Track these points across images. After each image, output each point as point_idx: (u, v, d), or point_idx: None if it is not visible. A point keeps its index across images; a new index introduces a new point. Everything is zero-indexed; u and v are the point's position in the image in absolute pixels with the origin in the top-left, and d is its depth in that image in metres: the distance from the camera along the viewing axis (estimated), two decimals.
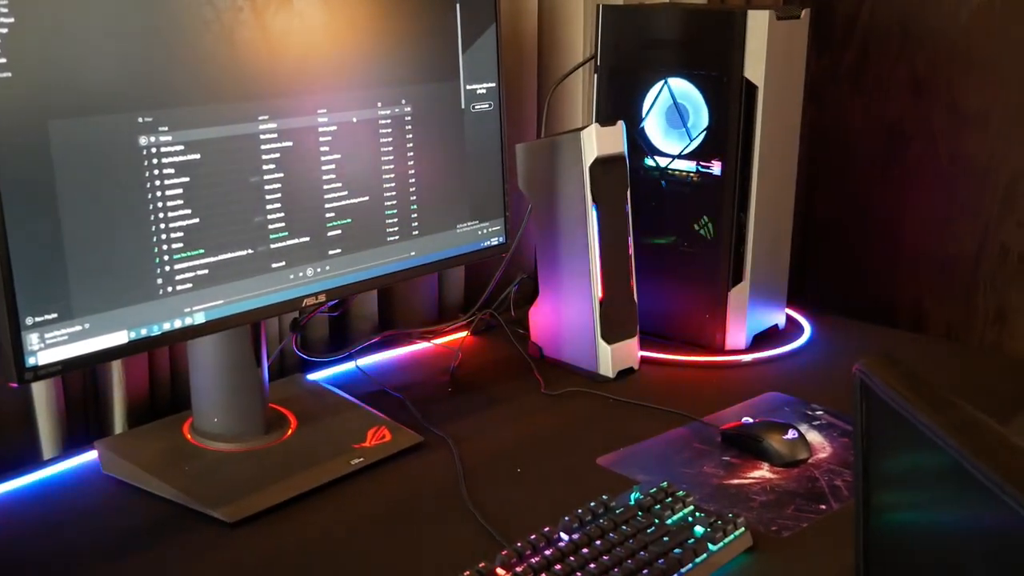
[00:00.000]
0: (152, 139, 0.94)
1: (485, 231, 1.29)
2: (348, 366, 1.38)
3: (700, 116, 1.40)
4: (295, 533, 0.98)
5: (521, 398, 1.30)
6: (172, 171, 0.96)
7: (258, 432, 1.12)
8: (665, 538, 0.91)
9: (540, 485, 1.07)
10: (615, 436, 1.17)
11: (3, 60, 0.83)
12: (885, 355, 0.71)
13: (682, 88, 1.41)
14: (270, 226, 1.05)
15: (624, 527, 0.92)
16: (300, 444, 1.12)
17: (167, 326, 0.98)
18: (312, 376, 1.32)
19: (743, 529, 0.94)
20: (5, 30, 0.83)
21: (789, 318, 1.54)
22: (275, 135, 1.04)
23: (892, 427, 0.68)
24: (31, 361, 0.89)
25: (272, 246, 1.05)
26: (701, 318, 1.44)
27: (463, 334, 1.49)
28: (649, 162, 1.46)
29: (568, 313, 1.37)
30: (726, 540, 0.92)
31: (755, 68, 1.34)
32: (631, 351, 1.37)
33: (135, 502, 1.03)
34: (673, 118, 1.43)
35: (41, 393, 1.14)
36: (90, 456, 1.11)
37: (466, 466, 1.10)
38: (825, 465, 1.10)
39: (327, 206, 1.10)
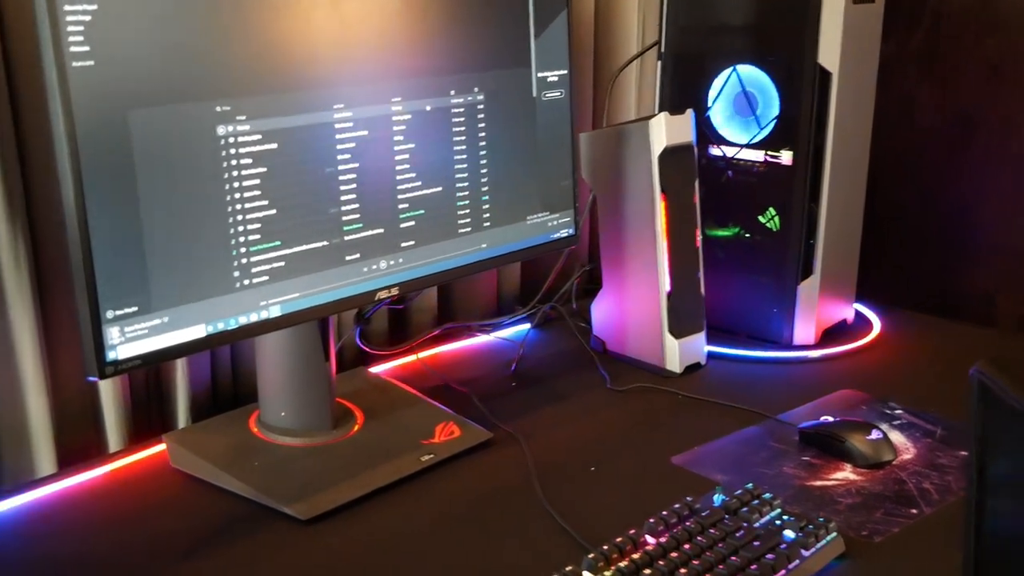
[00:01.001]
0: (230, 128, 0.92)
1: (555, 223, 1.26)
2: (409, 359, 1.36)
3: (770, 104, 1.36)
4: (369, 531, 0.96)
5: (587, 393, 1.27)
6: (250, 161, 0.94)
7: (325, 427, 1.10)
8: (755, 542, 0.88)
9: (615, 485, 1.05)
10: (687, 434, 1.15)
11: (86, 48, 0.82)
12: (1001, 357, 0.68)
13: (752, 75, 1.37)
14: (344, 217, 1.03)
15: (712, 530, 0.90)
16: (368, 439, 1.11)
17: (243, 320, 0.96)
18: (373, 369, 1.30)
19: (835, 534, 0.91)
20: (88, 18, 0.81)
21: (857, 312, 1.51)
22: (350, 124, 1.02)
23: (1015, 431, 0.66)
24: (111, 355, 0.87)
25: (346, 238, 1.03)
26: (768, 312, 1.41)
27: (523, 327, 1.47)
28: (714, 151, 1.42)
29: (633, 307, 1.34)
30: (819, 545, 0.89)
31: (830, 54, 1.30)
32: (698, 346, 1.34)
33: (205, 497, 1.02)
34: (741, 106, 1.39)
35: (107, 386, 1.13)
36: (157, 449, 1.10)
37: (538, 464, 1.07)
38: (911, 467, 1.07)
39: (400, 197, 1.08)
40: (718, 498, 0.95)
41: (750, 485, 0.97)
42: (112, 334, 0.87)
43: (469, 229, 1.16)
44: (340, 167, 1.02)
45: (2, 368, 1.06)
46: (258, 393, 1.10)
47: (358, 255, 1.05)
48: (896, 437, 1.12)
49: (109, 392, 1.13)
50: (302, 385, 1.08)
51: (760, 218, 1.40)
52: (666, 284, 1.29)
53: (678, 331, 1.31)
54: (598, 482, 1.06)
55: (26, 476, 1.09)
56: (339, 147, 1.01)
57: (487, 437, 1.13)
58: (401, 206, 1.08)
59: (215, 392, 1.25)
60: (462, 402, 1.21)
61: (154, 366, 1.16)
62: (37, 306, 1.07)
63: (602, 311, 1.40)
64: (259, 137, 0.94)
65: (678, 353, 1.31)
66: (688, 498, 0.94)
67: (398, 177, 1.07)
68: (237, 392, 1.27)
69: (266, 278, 0.97)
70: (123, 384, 1.14)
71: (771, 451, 1.11)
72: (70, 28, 0.81)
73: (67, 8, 0.80)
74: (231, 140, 0.93)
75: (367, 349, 1.33)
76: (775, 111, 1.36)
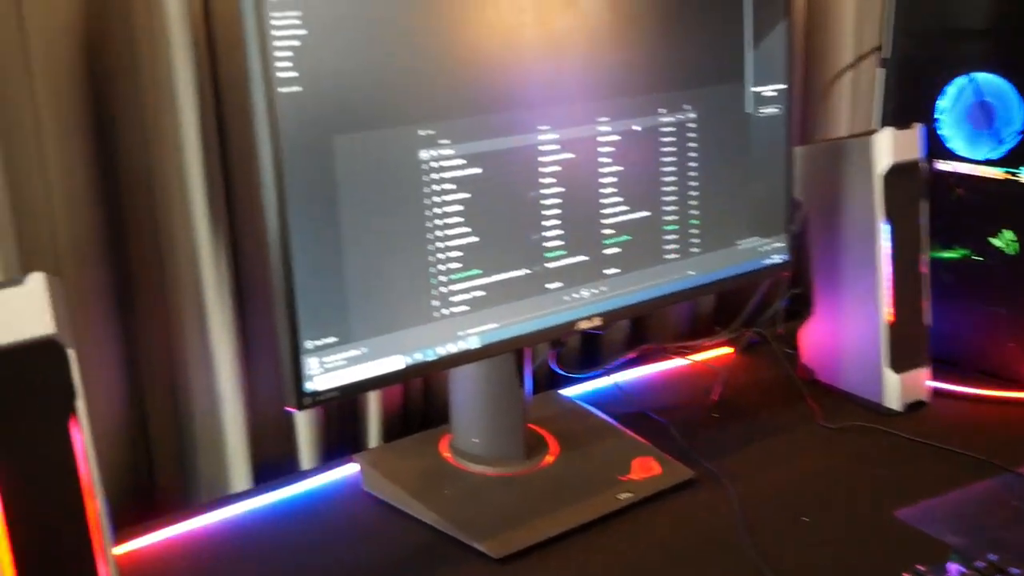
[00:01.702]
0: (433, 153, 0.89)
1: (767, 248, 1.18)
2: (601, 382, 1.30)
3: (1012, 116, 1.23)
4: (563, 574, 0.91)
5: (795, 429, 1.18)
6: (453, 186, 0.91)
7: (518, 456, 1.06)
8: None
9: (832, 539, 0.96)
10: (911, 484, 1.04)
11: (294, 74, 0.80)
12: None
13: (991, 83, 1.24)
14: (546, 244, 0.98)
15: None
16: (563, 472, 1.06)
17: (441, 351, 0.93)
18: (566, 392, 1.25)
19: None
20: (297, 43, 0.79)
21: None
22: (556, 146, 0.97)
23: None
24: (309, 387, 0.85)
25: (547, 265, 0.99)
26: (1003, 346, 1.28)
27: (723, 351, 1.39)
28: (942, 167, 1.30)
29: (848, 335, 1.24)
30: None
31: None
32: (921, 382, 1.23)
33: (395, 524, 0.99)
34: (977, 118, 1.26)
35: None
36: (348, 470, 1.09)
37: (744, 510, 1.00)
38: None
39: (605, 222, 1.03)
40: (955, 568, 0.85)
41: (994, 557, 0.86)
42: (311, 365, 0.85)
43: (677, 256, 1.09)
44: (543, 191, 0.97)
45: (201, 382, 1.07)
46: (450, 417, 1.07)
47: (560, 284, 1.00)
48: None
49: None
50: (495, 412, 1.05)
51: (994, 240, 1.27)
52: (887, 313, 1.19)
53: (899, 365, 1.20)
54: (813, 534, 0.97)
55: (222, 490, 1.10)
56: (543, 170, 0.97)
57: (689, 476, 1.06)
58: (606, 231, 1.03)
59: (406, 410, 1.23)
60: (660, 433, 1.14)
61: (352, 397, 1.15)
62: (236, 321, 1.07)
63: (812, 338, 1.30)
64: (463, 162, 0.91)
65: (899, 389, 1.20)
66: (920, 567, 0.85)
67: (603, 201, 1.02)
68: (428, 410, 1.25)
69: (466, 308, 0.94)
70: None
71: (1012, 512, 0.99)
72: (278, 54, 0.79)
73: (276, 34, 0.78)
74: (434, 165, 0.89)
75: (560, 372, 1.29)
76: (1018, 124, 1.22)
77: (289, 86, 0.80)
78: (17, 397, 0.70)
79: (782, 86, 1.15)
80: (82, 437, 0.73)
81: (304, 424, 1.14)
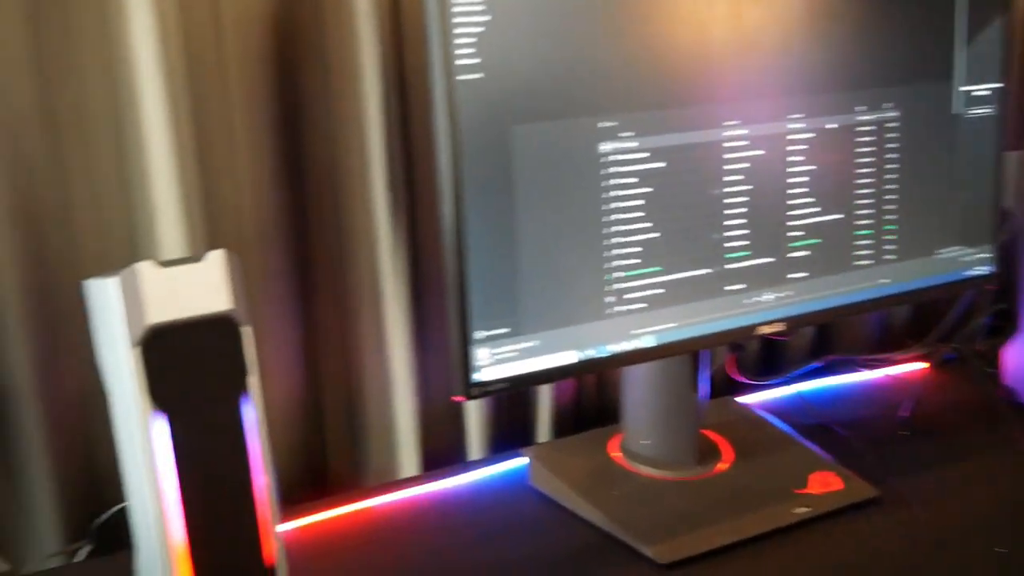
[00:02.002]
0: (614, 145, 0.87)
1: (969, 258, 1.10)
2: (782, 391, 1.25)
3: None
4: None
5: (994, 453, 1.10)
6: (635, 180, 0.89)
7: (690, 461, 1.03)
8: None
9: None
10: None
11: (476, 60, 0.79)
12: None
13: None
14: (728, 244, 0.95)
15: None
16: (735, 480, 1.02)
17: (614, 348, 0.91)
18: (742, 399, 1.20)
19: None
20: (481, 28, 0.79)
21: None
22: (744, 142, 0.93)
23: None
24: (478, 377, 0.85)
25: (728, 266, 0.95)
26: None
27: (916, 366, 1.31)
28: None
29: None
30: None
31: None
32: None
33: (559, 522, 0.98)
34: None
35: None
36: (516, 463, 1.08)
37: (933, 534, 0.93)
38: None
39: (793, 223, 0.98)
40: None
41: None
42: (481, 355, 0.85)
43: (870, 262, 1.03)
44: (726, 189, 0.94)
45: (376, 368, 1.09)
46: (621, 417, 1.05)
47: (742, 285, 0.96)
48: None
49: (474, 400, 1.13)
50: (668, 415, 1.02)
51: None
52: None
53: None
54: (1008, 568, 0.90)
55: (391, 475, 1.11)
56: (729, 167, 0.93)
57: (873, 495, 1.00)
58: (793, 233, 0.98)
59: (579, 406, 1.22)
60: (842, 448, 1.09)
61: (521, 390, 1.14)
62: (412, 308, 1.08)
63: (1018, 357, 1.20)
64: (647, 155, 0.89)
65: None
66: None
67: (791, 202, 0.98)
68: (602, 405, 1.23)
69: (644, 305, 0.92)
70: None
71: None
72: (461, 40, 0.79)
73: (459, 20, 0.78)
74: (613, 158, 0.87)
75: (739, 378, 1.24)
76: None
77: (470, 73, 0.79)
78: (192, 371, 0.72)
79: (997, 85, 1.06)
80: (254, 413, 0.74)
81: (474, 414, 1.14)
